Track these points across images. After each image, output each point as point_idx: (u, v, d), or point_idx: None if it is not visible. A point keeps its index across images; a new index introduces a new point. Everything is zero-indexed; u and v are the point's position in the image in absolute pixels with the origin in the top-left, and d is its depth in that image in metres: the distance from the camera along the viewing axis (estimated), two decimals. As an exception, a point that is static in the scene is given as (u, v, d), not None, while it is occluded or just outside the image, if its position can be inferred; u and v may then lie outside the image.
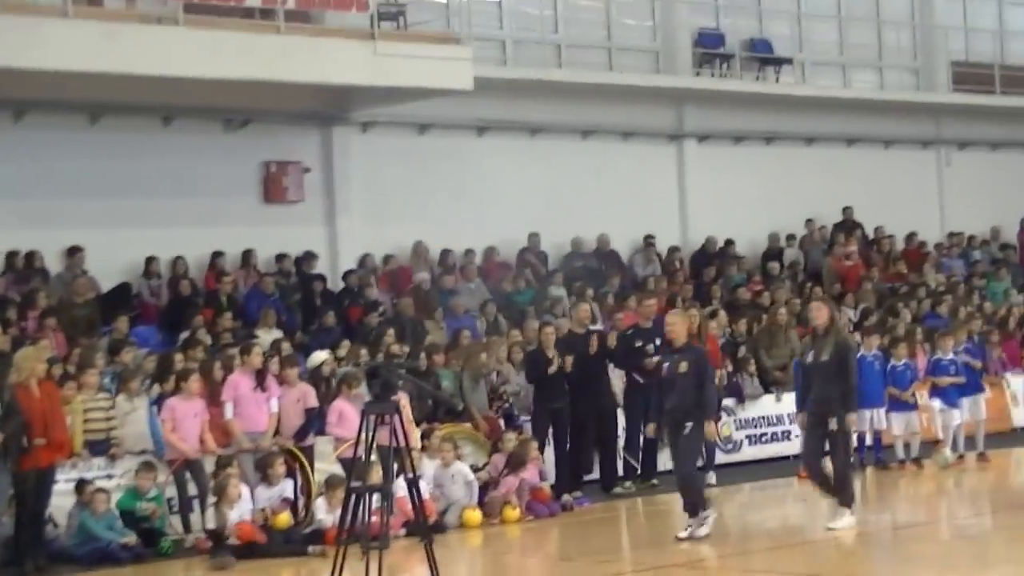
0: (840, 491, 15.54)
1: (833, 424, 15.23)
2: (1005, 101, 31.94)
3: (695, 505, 15.23)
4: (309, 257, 22.85)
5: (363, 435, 12.73)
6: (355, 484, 12.74)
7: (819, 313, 15.63)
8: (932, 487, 19.63)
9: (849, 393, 15.30)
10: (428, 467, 17.32)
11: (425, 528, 12.78)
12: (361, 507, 12.24)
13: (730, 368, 21.80)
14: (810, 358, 15.58)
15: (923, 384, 21.88)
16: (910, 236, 29.90)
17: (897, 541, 15.73)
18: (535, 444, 18.57)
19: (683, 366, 15.19)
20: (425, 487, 15.92)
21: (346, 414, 17.42)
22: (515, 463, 17.86)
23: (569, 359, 19.09)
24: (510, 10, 26.46)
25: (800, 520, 17.94)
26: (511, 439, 18.39)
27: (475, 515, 17.24)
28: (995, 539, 15.80)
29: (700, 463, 17.79)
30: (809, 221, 28.75)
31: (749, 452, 22.30)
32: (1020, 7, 34.43)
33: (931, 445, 21.68)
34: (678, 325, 15.54)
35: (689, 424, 15.10)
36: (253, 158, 22.95)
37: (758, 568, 14.56)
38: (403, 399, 14.56)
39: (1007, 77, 32.26)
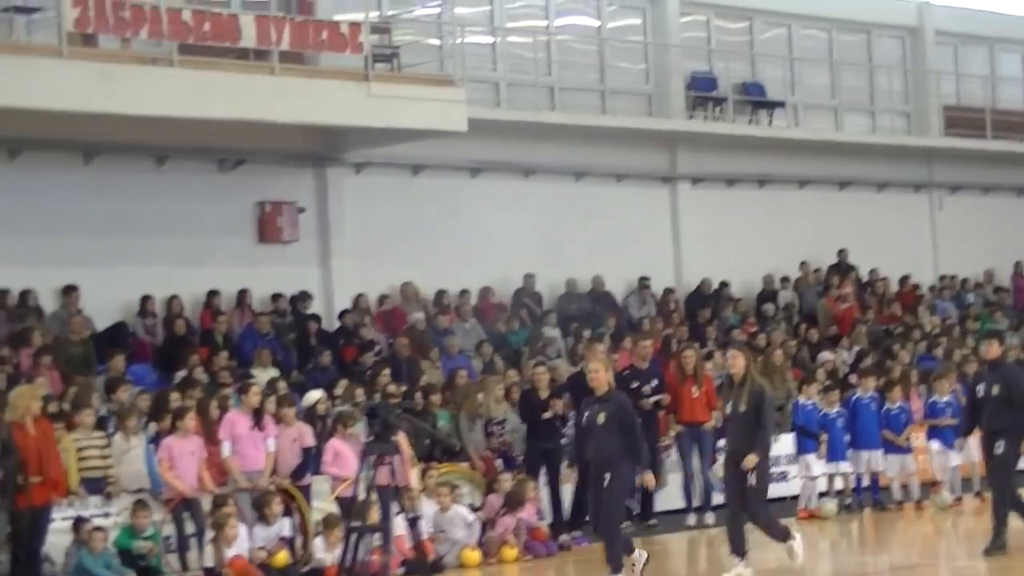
0: (771, 533, 15.16)
1: (752, 479, 14.78)
2: (996, 145, 32.03)
3: (614, 558, 14.77)
4: (304, 297, 22.78)
5: (363, 474, 12.72)
6: (355, 523, 12.71)
7: (734, 361, 15.10)
8: (930, 528, 19.57)
9: (762, 438, 14.92)
10: (427, 507, 17.25)
11: (424, 567, 12.74)
12: (361, 546, 12.20)
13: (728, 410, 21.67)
14: (728, 409, 15.15)
15: (919, 426, 21.85)
16: (904, 279, 29.91)
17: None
18: (532, 484, 18.54)
19: (601, 417, 14.74)
20: (424, 526, 15.85)
21: (342, 453, 17.38)
22: (513, 502, 17.81)
23: (559, 403, 19.07)
24: (504, 52, 26.50)
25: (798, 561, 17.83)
26: (507, 479, 18.34)
27: (474, 555, 17.18)
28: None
29: (636, 508, 17.62)
30: (803, 263, 28.75)
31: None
32: (1011, 53, 34.59)
33: (929, 487, 21.64)
34: (600, 374, 15.07)
35: (607, 475, 14.65)
36: (247, 198, 22.90)
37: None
38: (403, 439, 14.51)
39: (998, 121, 32.36)
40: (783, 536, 15.12)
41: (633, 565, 14.79)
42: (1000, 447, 16.13)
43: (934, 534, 19.03)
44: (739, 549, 14.97)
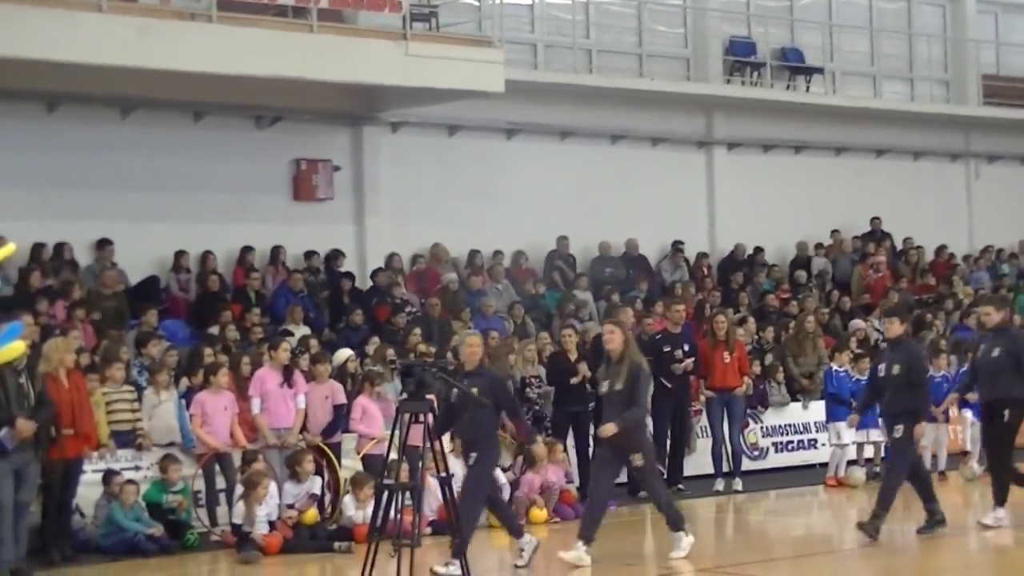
0: (667, 517, 14.59)
1: (638, 459, 14.12)
2: (1035, 115, 31.86)
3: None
4: (337, 255, 22.85)
5: (396, 432, 12.76)
6: (387, 482, 12.76)
7: (611, 337, 14.26)
8: (959, 499, 19.55)
9: (632, 413, 14.04)
10: (459, 467, 17.31)
11: (454, 527, 12.77)
12: (392, 505, 12.25)
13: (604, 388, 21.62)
14: (604, 388, 14.33)
15: (953, 397, 21.77)
16: (939, 248, 29.79)
17: (922, 551, 15.64)
18: (560, 446, 18.61)
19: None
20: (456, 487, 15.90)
21: (369, 411, 17.52)
22: (529, 460, 17.88)
23: (584, 366, 19.08)
24: (542, 14, 26.43)
25: (826, 528, 17.90)
26: (538, 442, 18.38)
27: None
28: (1021, 551, 15.72)
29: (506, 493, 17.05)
30: (835, 231, 28.66)
31: (775, 459, 22.27)
32: (1052, 22, 34.36)
33: (958, 457, 21.62)
34: (475, 347, 14.58)
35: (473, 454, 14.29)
36: (283, 155, 22.96)
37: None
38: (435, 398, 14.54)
39: (1037, 92, 32.18)
40: (676, 524, 14.54)
41: (521, 550, 14.44)
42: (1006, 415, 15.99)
43: (963, 505, 19.00)
44: (676, 524, 14.53)
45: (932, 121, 30.74)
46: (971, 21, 32.17)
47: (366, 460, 17.32)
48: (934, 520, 15.81)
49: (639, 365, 14.29)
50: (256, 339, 19.52)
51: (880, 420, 17.85)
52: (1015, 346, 15.98)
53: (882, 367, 15.80)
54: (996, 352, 15.98)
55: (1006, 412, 15.97)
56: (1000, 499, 16.13)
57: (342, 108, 23.26)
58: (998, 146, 31.98)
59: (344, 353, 19.08)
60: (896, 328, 15.90)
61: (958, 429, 22.34)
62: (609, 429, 14.08)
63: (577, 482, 18.96)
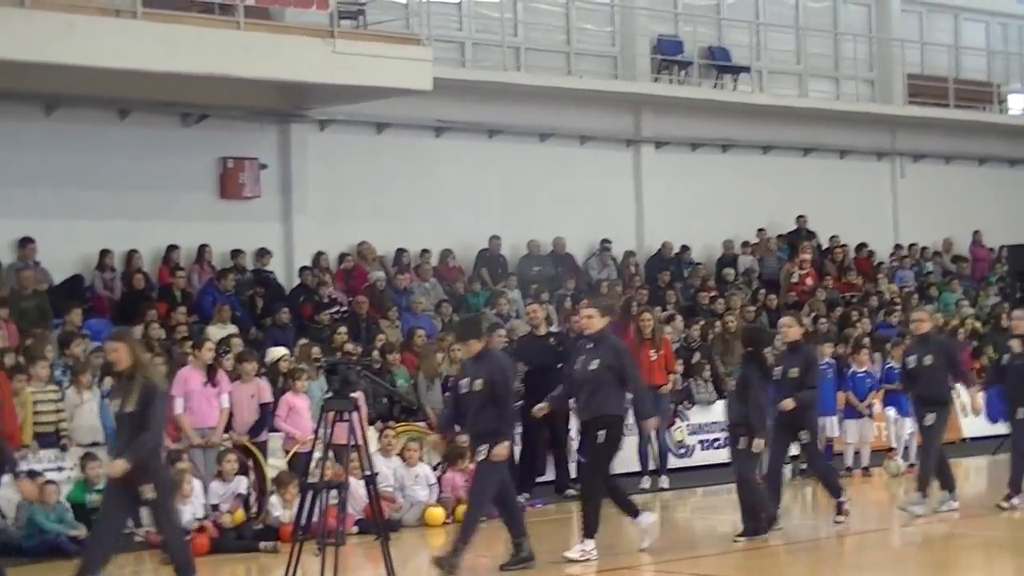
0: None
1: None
2: (959, 115, 32.19)
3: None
4: (264, 254, 22.75)
5: (320, 431, 12.72)
6: (311, 480, 12.71)
7: (116, 355, 11.78)
8: (883, 495, 19.70)
9: (142, 443, 11.38)
10: (385, 465, 17.31)
11: (380, 526, 12.76)
12: (317, 504, 12.21)
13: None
14: (114, 408, 11.97)
15: (877, 393, 21.97)
16: (862, 246, 30.02)
17: (847, 548, 15.78)
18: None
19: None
20: (381, 485, 15.89)
21: (296, 408, 17.47)
22: (450, 459, 17.90)
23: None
24: (470, 12, 26.42)
25: (752, 525, 17.95)
26: (464, 440, 18.36)
27: (438, 513, 17.27)
28: (945, 547, 15.88)
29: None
30: (761, 230, 28.81)
31: (701, 457, 22.36)
32: (975, 23, 34.71)
33: (882, 454, 21.80)
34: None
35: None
36: (210, 153, 22.81)
37: (708, 572, 14.59)
38: (360, 397, 14.52)
39: (961, 91, 32.49)
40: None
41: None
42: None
43: (888, 500, 19.16)
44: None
45: (858, 120, 30.97)
46: (896, 21, 32.46)
47: (295, 459, 17.26)
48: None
49: (153, 384, 11.77)
50: (181, 338, 19.41)
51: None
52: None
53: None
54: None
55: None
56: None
57: (269, 106, 23.14)
58: (923, 145, 32.26)
59: (278, 351, 19.01)
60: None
61: (882, 426, 22.53)
62: (118, 467, 11.46)
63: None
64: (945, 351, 17.02)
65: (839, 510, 16.23)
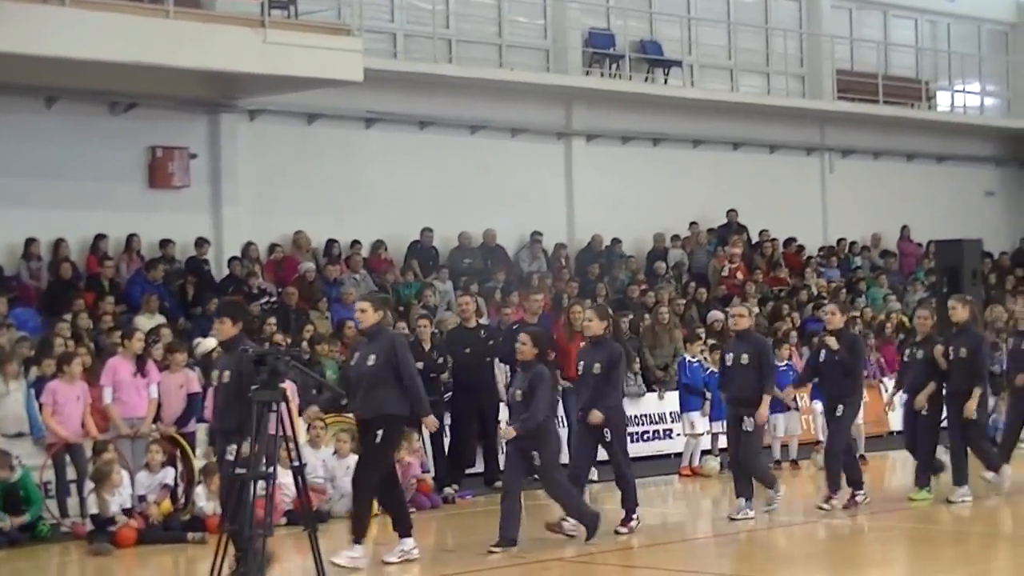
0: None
1: None
2: (887, 111, 32.42)
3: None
4: (202, 243, 22.64)
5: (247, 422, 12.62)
6: (239, 471, 12.63)
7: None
8: (811, 487, 19.81)
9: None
10: (315, 456, 17.26)
11: (309, 517, 12.69)
12: (244, 495, 12.13)
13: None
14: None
15: (805, 387, 22.07)
16: (790, 241, 30.21)
17: (774, 540, 15.87)
18: (416, 435, 18.58)
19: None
20: (310, 476, 15.84)
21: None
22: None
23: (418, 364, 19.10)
24: (402, 3, 26.35)
25: (680, 517, 18.06)
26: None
27: (369, 505, 17.19)
28: (870, 540, 16.01)
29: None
30: (693, 224, 28.93)
31: (631, 449, 22.21)
32: (904, 20, 34.99)
33: (811, 447, 21.93)
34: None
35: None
36: (138, 142, 22.65)
37: (639, 564, 14.65)
38: (289, 388, 14.46)
39: (890, 87, 32.74)
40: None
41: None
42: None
43: (815, 492, 19.25)
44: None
45: (788, 115, 31.16)
46: (826, 17, 32.67)
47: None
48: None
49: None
50: (108, 328, 19.27)
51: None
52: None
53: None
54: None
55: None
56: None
57: (199, 95, 23.00)
58: (851, 140, 32.50)
59: (210, 342, 18.81)
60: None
61: (810, 419, 22.68)
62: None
63: (432, 472, 18.92)
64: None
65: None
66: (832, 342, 16.71)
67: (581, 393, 15.74)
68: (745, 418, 16.13)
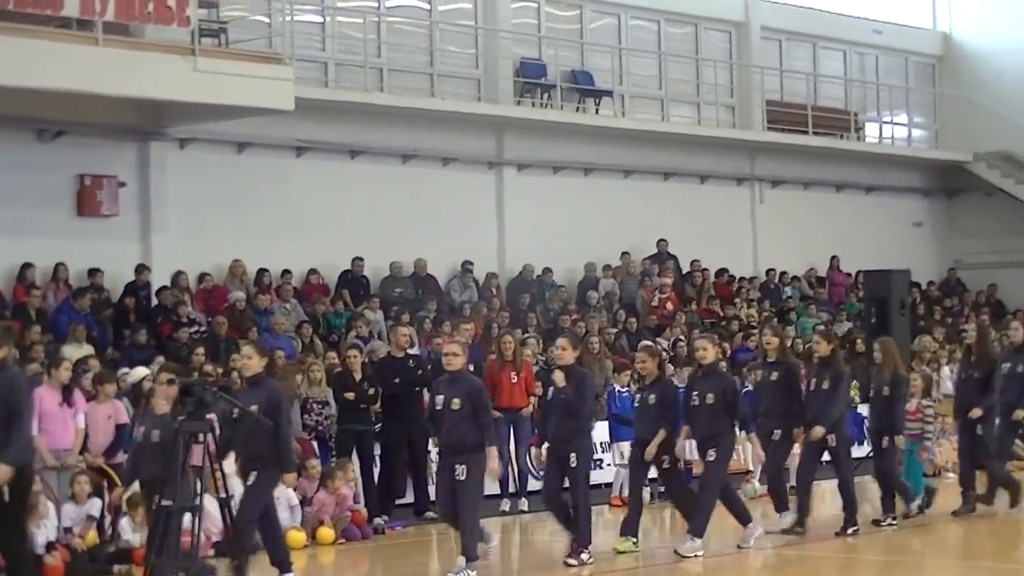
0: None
1: None
2: (817, 142, 32.68)
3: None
4: (143, 269, 22.51)
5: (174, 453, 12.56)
6: (164, 503, 12.54)
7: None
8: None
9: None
10: (240, 487, 17.09)
11: (236, 548, 12.63)
12: (170, 526, 12.06)
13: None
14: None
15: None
16: (722, 271, 30.34)
17: (706, 571, 15.88)
18: (351, 466, 18.54)
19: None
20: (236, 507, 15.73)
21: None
22: (323, 480, 17.81)
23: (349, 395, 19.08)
24: (333, 32, 26.36)
25: (609, 547, 18.04)
26: (313, 464, 18.28)
27: (299, 536, 17.09)
28: (800, 569, 16.04)
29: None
30: (624, 253, 29.00)
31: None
32: (833, 52, 35.30)
33: (740, 476, 21.96)
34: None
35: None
36: (67, 170, 22.49)
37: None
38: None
39: (819, 118, 32.99)
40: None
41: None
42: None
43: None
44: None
45: (718, 145, 31.32)
46: (756, 48, 32.91)
47: (149, 481, 16.99)
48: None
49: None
50: (34, 357, 19.07)
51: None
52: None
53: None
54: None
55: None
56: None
57: (128, 123, 22.86)
58: (781, 171, 32.71)
59: (140, 372, 18.73)
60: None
61: (739, 449, 22.67)
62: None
63: (363, 502, 18.84)
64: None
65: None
66: (559, 378, 15.58)
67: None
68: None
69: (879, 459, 18.03)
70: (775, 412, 17.33)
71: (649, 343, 20.35)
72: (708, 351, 16.24)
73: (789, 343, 21.22)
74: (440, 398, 14.91)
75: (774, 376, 17.41)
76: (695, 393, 16.12)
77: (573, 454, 15.43)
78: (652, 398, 16.15)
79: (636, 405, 16.69)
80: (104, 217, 22.72)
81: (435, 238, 26.44)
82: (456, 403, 14.73)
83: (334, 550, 17.21)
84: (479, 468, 14.71)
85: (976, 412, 18.35)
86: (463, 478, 14.58)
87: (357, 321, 23.26)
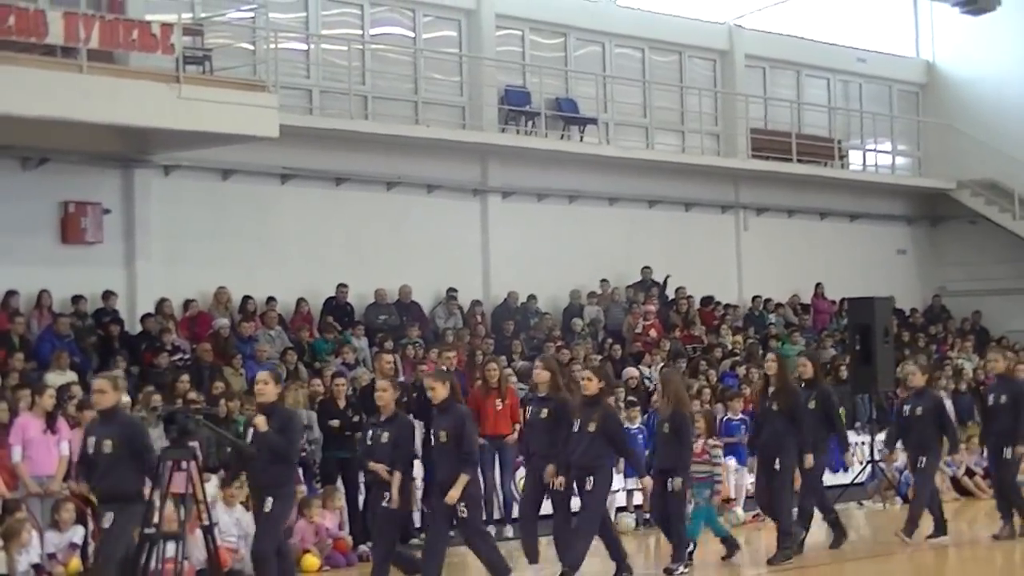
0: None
1: None
2: (801, 169, 32.74)
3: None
4: (106, 299, 22.43)
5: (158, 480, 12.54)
6: (148, 531, 12.52)
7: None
8: (723, 546, 19.82)
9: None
10: (228, 515, 17.09)
11: (219, 576, 12.60)
12: (154, 554, 12.03)
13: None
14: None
15: (717, 444, 22.11)
16: (707, 299, 30.36)
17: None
18: (337, 493, 18.52)
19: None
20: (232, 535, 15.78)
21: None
22: (302, 508, 17.78)
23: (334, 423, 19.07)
24: (318, 59, 26.38)
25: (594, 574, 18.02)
26: (301, 491, 18.25)
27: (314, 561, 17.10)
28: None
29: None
30: (604, 281, 28.99)
31: (546, 506, 22.22)
32: (817, 79, 35.41)
33: (723, 504, 21.94)
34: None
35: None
36: (51, 197, 22.45)
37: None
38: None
39: (803, 145, 33.07)
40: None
41: None
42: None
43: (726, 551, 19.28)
44: None
45: (702, 173, 31.38)
46: (740, 76, 33.00)
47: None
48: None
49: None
50: (15, 385, 19.02)
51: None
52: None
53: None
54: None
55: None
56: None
57: (112, 150, 22.85)
58: (765, 198, 32.78)
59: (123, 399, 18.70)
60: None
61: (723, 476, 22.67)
62: None
63: (348, 529, 18.80)
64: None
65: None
66: (261, 422, 14.05)
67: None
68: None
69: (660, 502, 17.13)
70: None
71: (548, 355, 20.30)
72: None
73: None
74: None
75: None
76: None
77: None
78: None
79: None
80: (88, 244, 22.69)
81: (419, 265, 26.44)
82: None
83: (319, 577, 17.17)
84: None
85: (809, 461, 17.77)
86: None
87: (345, 348, 23.24)
